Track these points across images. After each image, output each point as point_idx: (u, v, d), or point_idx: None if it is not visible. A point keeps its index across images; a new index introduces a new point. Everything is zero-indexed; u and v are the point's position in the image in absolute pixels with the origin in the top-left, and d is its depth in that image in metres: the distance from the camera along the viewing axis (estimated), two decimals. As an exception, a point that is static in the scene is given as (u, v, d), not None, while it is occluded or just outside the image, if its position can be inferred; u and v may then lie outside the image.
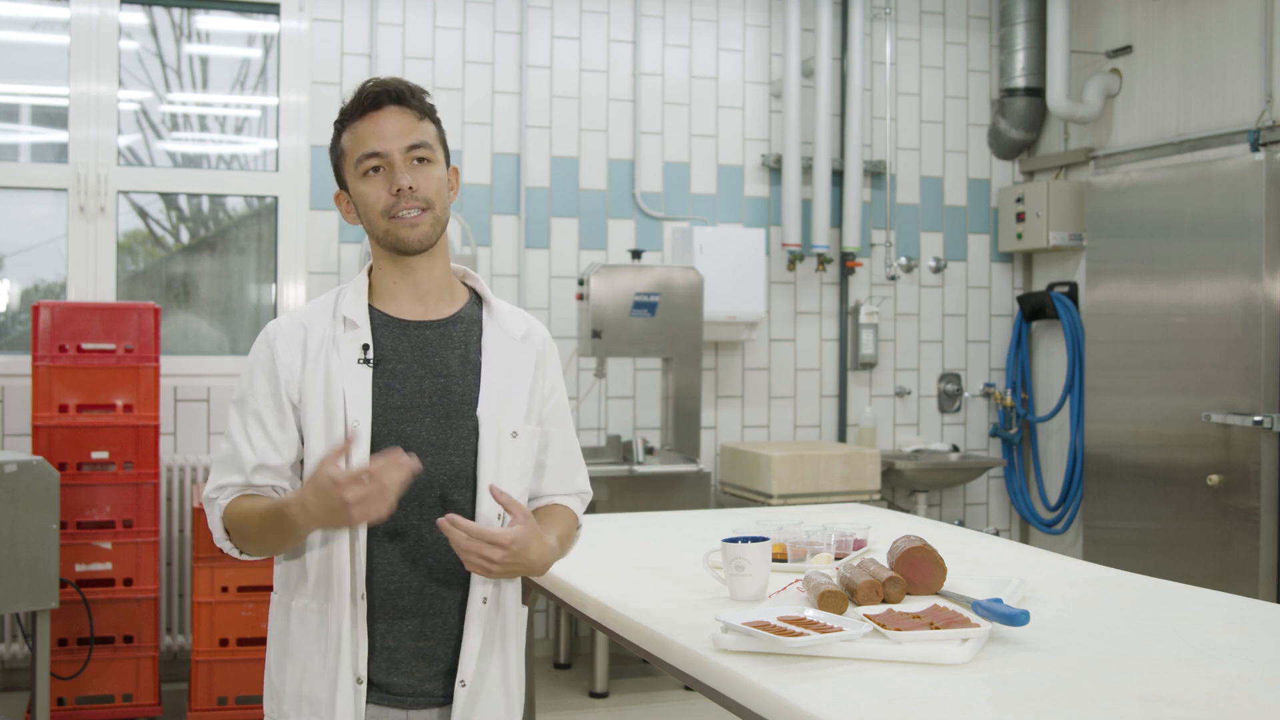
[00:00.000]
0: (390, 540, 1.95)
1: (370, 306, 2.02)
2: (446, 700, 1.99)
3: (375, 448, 1.93)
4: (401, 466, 1.78)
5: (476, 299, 2.10)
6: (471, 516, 1.98)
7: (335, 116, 2.08)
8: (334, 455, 1.79)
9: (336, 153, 2.03)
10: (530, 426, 2.06)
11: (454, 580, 1.98)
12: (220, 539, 1.98)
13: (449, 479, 1.97)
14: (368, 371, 1.96)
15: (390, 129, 1.96)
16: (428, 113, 2.02)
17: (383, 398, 1.95)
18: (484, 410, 2.00)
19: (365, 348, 1.97)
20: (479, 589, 1.98)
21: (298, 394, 1.96)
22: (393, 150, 1.95)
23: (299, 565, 1.98)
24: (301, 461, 1.99)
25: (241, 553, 1.99)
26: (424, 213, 1.96)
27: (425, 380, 1.98)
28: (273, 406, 1.96)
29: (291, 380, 1.96)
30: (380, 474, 1.76)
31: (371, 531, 1.94)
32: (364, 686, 1.93)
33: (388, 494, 1.77)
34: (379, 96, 1.98)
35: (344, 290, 2.04)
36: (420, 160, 1.97)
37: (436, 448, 1.97)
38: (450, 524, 1.85)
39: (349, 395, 1.94)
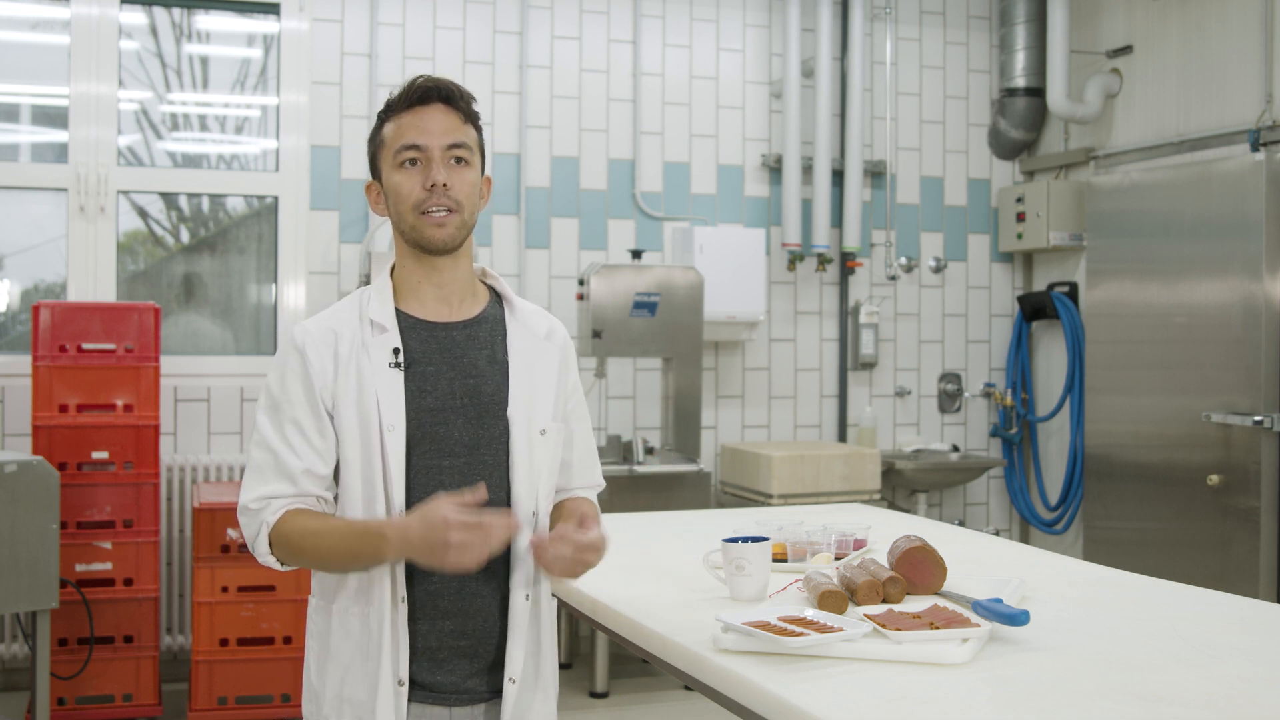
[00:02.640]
0: None
1: (396, 309, 2.02)
2: (488, 696, 2.01)
3: (410, 450, 1.95)
4: (511, 529, 1.82)
5: (496, 298, 2.12)
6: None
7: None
8: (457, 496, 1.81)
9: (376, 142, 2.03)
10: (557, 424, 2.08)
11: (492, 579, 1.99)
12: (263, 553, 1.95)
13: (484, 479, 1.99)
14: (399, 375, 1.96)
15: (434, 125, 1.97)
16: (472, 118, 2.03)
17: (415, 400, 1.96)
18: (514, 410, 2.01)
19: (396, 351, 1.97)
20: (521, 588, 2.00)
21: (331, 400, 1.95)
22: (433, 145, 1.96)
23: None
24: (336, 469, 1.98)
25: (284, 565, 1.97)
26: (452, 214, 1.97)
27: (456, 381, 1.99)
28: (310, 413, 1.95)
29: (325, 386, 1.95)
30: (490, 526, 1.79)
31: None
32: (405, 687, 1.94)
33: (488, 547, 1.80)
34: (428, 92, 1.99)
35: (367, 293, 2.04)
36: (458, 160, 1.98)
37: (469, 448, 1.98)
38: (555, 540, 1.90)
39: (383, 399, 1.94)
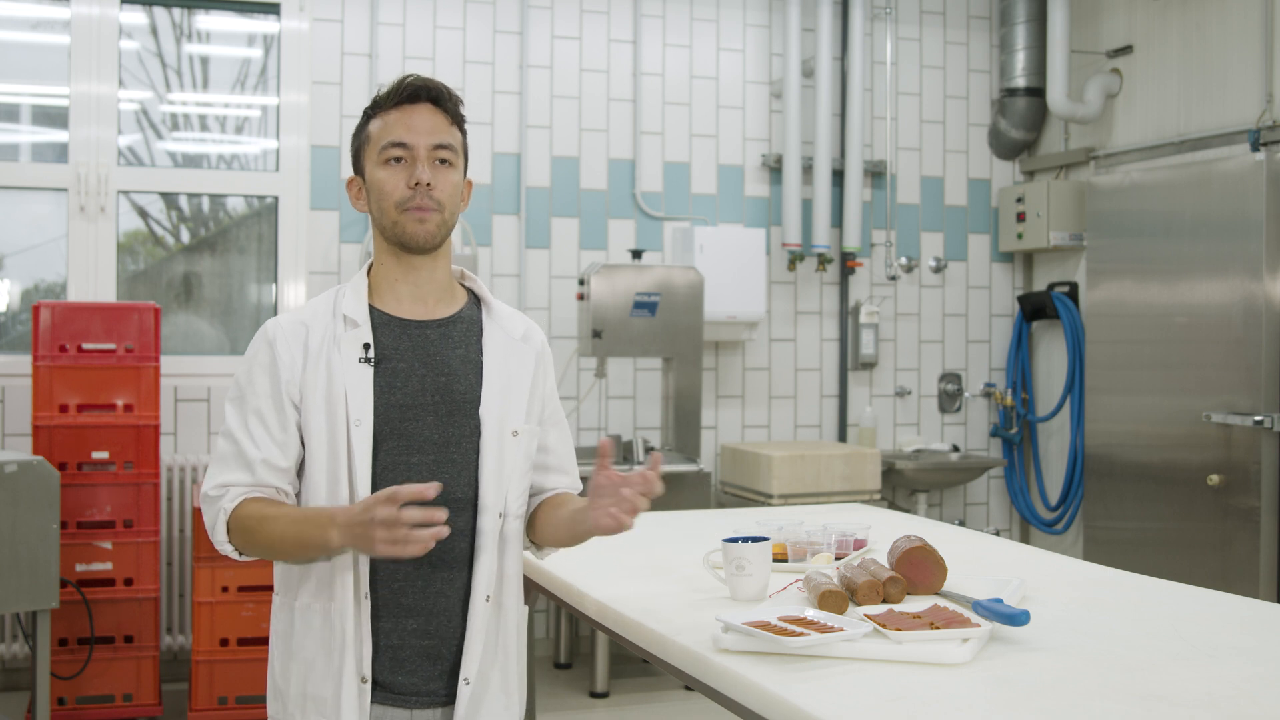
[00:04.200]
0: None
1: (371, 306, 2.02)
2: (449, 699, 2.01)
3: (378, 446, 1.95)
4: (436, 534, 1.76)
5: (475, 300, 2.12)
6: (474, 514, 2.00)
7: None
8: (401, 491, 1.76)
9: (361, 138, 2.05)
10: (530, 426, 2.08)
11: (457, 579, 1.99)
12: (221, 540, 1.96)
13: (451, 477, 1.98)
14: (369, 370, 1.96)
15: (421, 124, 1.99)
16: (458, 121, 2.04)
17: (384, 396, 1.96)
18: (486, 409, 2.01)
19: (366, 347, 1.97)
20: (482, 587, 1.99)
21: (299, 393, 1.96)
22: (419, 144, 1.98)
23: (302, 566, 1.97)
24: (302, 465, 1.98)
25: (242, 554, 1.97)
26: (433, 212, 1.98)
27: (427, 379, 1.99)
28: (273, 406, 1.95)
29: (293, 380, 1.96)
30: (408, 527, 1.74)
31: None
32: (368, 686, 1.94)
33: (416, 544, 1.75)
34: (418, 91, 2.00)
35: (344, 289, 2.04)
36: (442, 162, 2.00)
37: (439, 446, 1.98)
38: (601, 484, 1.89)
39: (351, 394, 1.94)
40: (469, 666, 1.99)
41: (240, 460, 1.94)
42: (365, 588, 1.94)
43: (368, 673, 1.94)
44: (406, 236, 1.98)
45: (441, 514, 1.76)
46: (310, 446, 1.95)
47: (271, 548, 1.92)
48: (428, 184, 1.96)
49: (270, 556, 1.97)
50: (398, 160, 1.98)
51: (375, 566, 1.95)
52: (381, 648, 1.96)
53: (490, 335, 2.08)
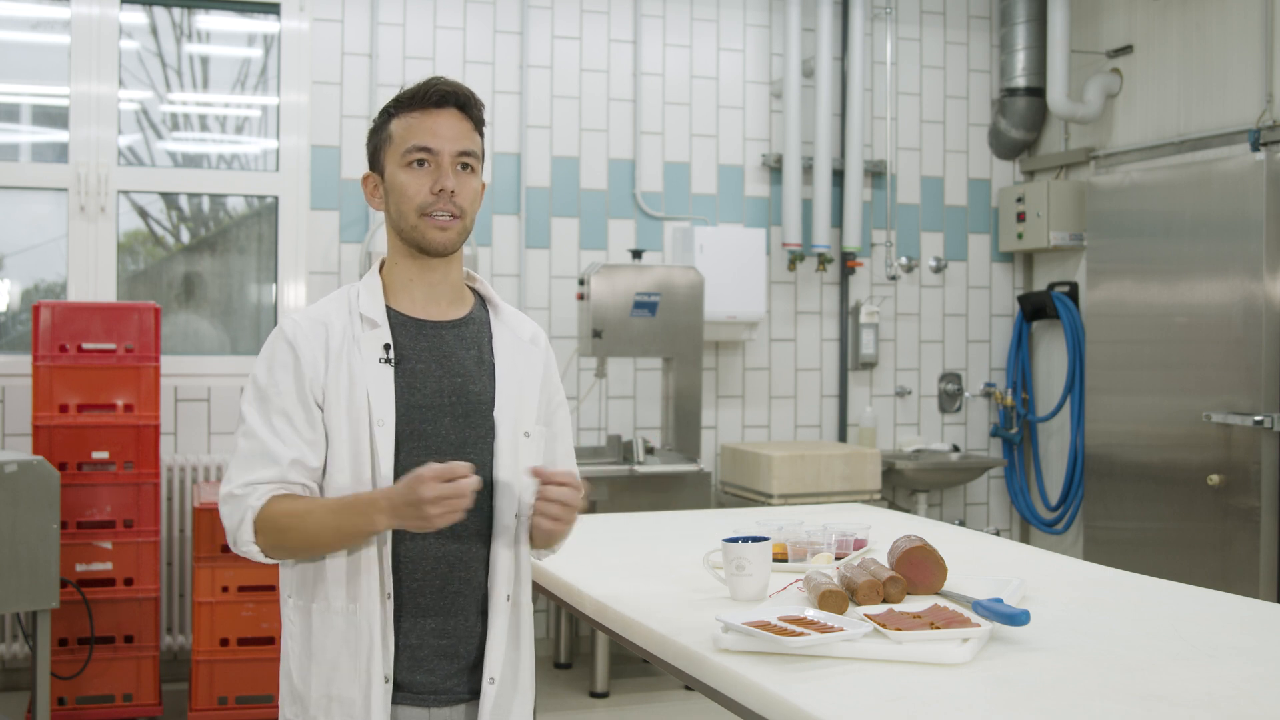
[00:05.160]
0: (413, 539, 1.96)
1: (386, 305, 2.02)
2: (468, 697, 2.01)
3: (399, 447, 1.95)
4: (473, 479, 1.80)
5: (481, 301, 2.13)
6: (490, 514, 2.01)
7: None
8: (439, 469, 1.79)
9: (381, 136, 2.03)
10: (540, 427, 2.10)
11: (474, 578, 2.00)
12: (246, 540, 1.91)
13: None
14: (390, 371, 1.96)
15: (447, 130, 1.98)
16: (479, 127, 2.05)
17: (405, 397, 1.96)
18: (500, 411, 2.02)
19: (387, 347, 1.97)
20: (502, 587, 2.00)
21: (321, 394, 1.95)
22: (444, 150, 1.97)
23: (318, 566, 1.96)
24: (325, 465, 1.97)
25: (267, 555, 1.93)
26: (455, 220, 1.98)
27: (444, 380, 2.00)
28: (300, 406, 1.94)
29: (316, 380, 1.95)
30: (459, 481, 1.78)
31: (395, 529, 1.94)
32: (389, 685, 1.94)
33: (461, 499, 1.79)
34: (446, 96, 2.00)
35: (357, 288, 2.04)
36: (465, 167, 2.00)
37: (456, 446, 1.98)
38: (540, 475, 1.92)
39: (373, 395, 1.94)
40: (493, 665, 1.99)
41: (267, 458, 1.91)
42: (389, 587, 1.94)
43: (390, 672, 1.94)
44: (426, 242, 1.98)
45: (470, 475, 1.80)
46: (333, 447, 1.94)
47: (308, 541, 1.90)
48: (451, 191, 1.96)
49: (301, 553, 1.94)
50: (421, 164, 1.98)
51: (396, 565, 1.95)
52: (400, 647, 1.96)
53: (500, 337, 2.08)
